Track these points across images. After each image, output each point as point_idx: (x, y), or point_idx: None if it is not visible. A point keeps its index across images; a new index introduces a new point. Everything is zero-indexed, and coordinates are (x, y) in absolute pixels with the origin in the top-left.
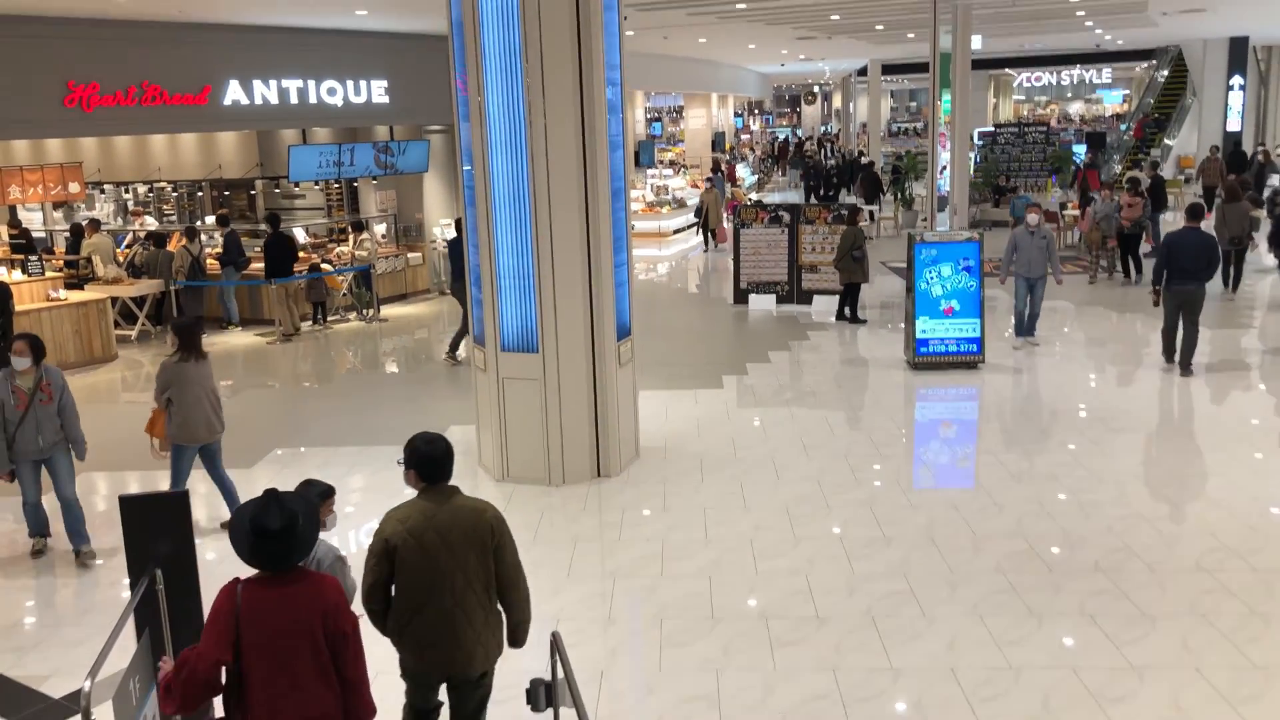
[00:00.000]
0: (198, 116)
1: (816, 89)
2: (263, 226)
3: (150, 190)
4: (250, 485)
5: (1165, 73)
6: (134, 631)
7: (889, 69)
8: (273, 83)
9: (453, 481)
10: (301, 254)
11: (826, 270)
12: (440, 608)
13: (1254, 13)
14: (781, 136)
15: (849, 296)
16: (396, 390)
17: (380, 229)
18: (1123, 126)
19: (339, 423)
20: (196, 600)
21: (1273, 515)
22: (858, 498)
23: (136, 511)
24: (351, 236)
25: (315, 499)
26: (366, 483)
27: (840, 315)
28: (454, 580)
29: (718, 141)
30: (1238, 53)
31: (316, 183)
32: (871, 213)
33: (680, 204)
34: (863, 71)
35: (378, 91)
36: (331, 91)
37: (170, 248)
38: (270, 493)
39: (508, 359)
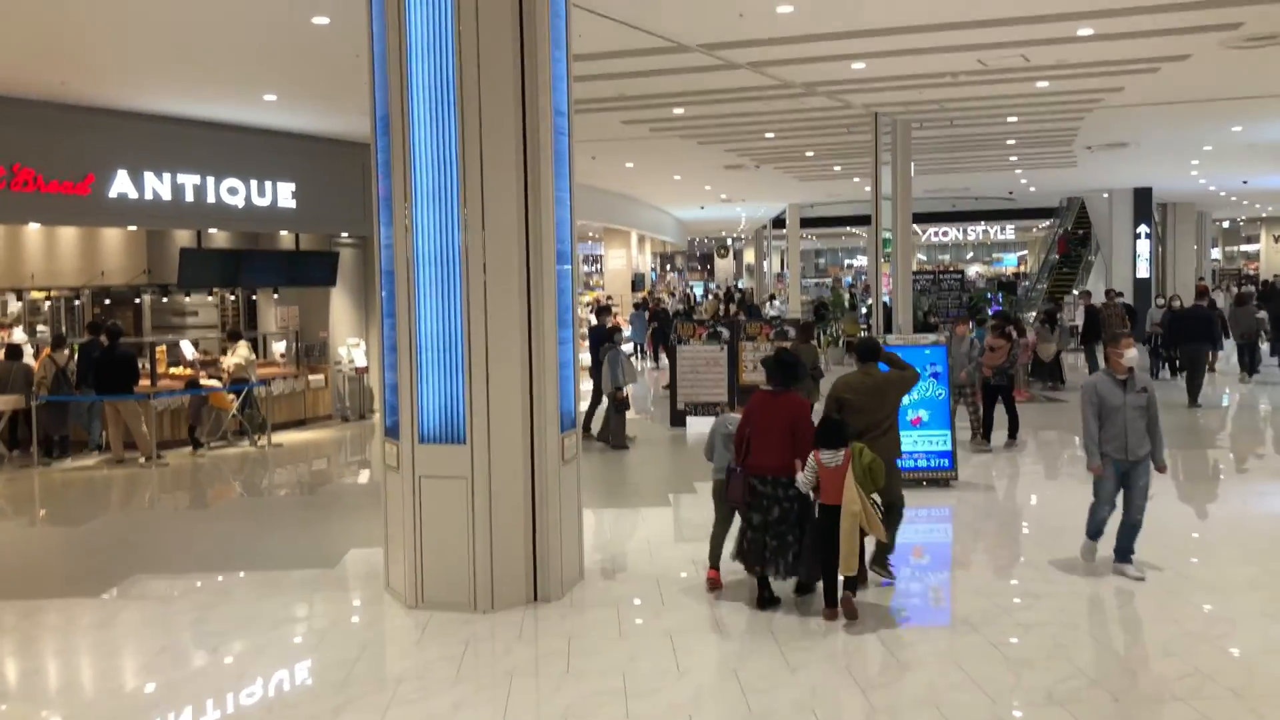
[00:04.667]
0: (77, 208)
1: (729, 242)
2: (102, 339)
3: (20, 299)
4: (101, 615)
5: (1067, 228)
6: None
7: (805, 222)
8: (166, 176)
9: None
10: (178, 371)
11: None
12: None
13: (1166, 158)
14: (700, 289)
15: None
16: (285, 515)
17: (279, 346)
18: (1025, 282)
19: (212, 550)
20: None
21: None
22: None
23: None
24: (230, 348)
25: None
26: (235, 612)
27: None
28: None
29: (638, 282)
30: (1143, 203)
31: (211, 293)
32: None
33: None
34: (778, 224)
35: (284, 195)
36: (233, 191)
37: (34, 360)
38: (781, 348)
39: (427, 453)
